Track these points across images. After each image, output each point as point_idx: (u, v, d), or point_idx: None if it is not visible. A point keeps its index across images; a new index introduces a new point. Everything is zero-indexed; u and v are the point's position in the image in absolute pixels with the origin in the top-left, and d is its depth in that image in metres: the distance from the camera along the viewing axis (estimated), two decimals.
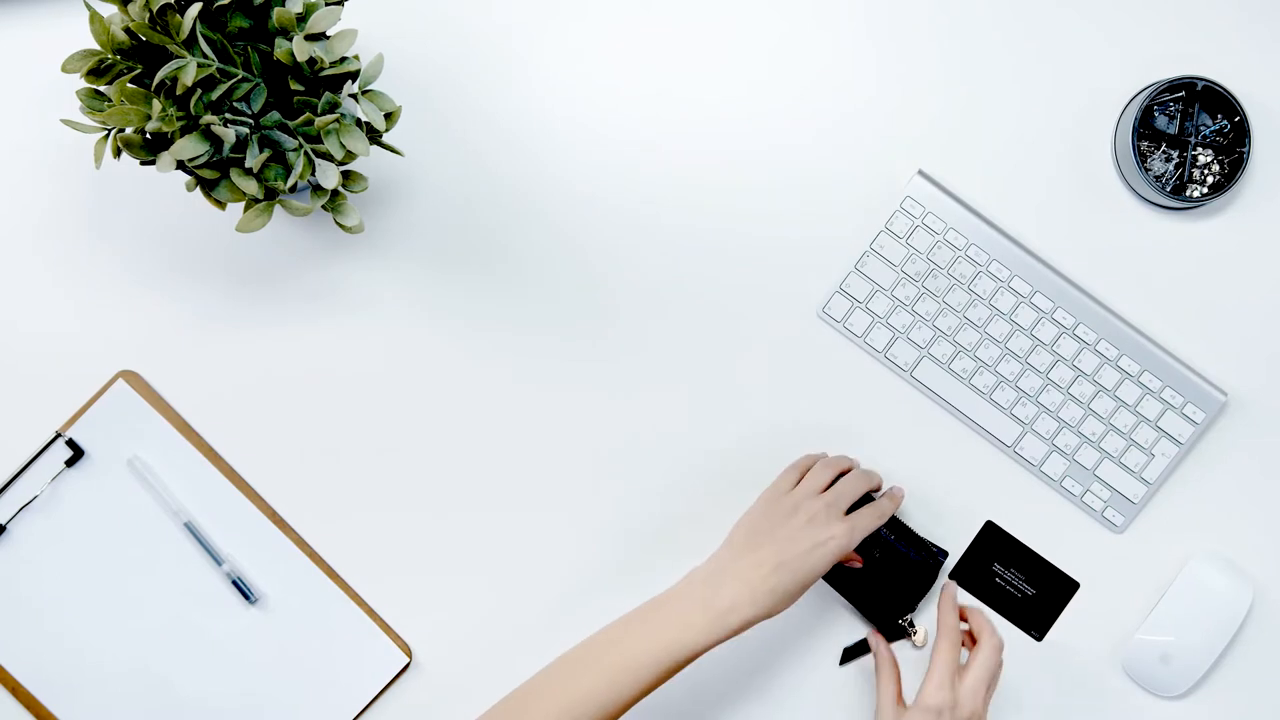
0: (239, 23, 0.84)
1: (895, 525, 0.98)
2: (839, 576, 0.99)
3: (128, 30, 0.82)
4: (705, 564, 0.89)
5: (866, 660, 1.00)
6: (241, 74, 0.83)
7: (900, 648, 1.00)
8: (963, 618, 0.94)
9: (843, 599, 1.00)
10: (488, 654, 0.99)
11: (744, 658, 1.00)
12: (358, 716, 0.99)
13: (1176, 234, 1.01)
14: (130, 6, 0.81)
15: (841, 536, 0.88)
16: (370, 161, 1.00)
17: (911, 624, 0.99)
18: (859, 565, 0.95)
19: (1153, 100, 0.98)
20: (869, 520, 0.91)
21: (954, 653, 0.89)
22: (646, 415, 1.01)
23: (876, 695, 0.95)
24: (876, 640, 0.98)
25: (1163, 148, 1.00)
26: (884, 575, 0.98)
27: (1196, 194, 0.99)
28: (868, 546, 0.98)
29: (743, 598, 0.86)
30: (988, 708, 0.89)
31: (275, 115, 0.84)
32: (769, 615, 0.87)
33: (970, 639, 0.94)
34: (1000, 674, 0.92)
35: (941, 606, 0.93)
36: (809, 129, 1.01)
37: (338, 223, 0.87)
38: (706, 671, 1.00)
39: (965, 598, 1.00)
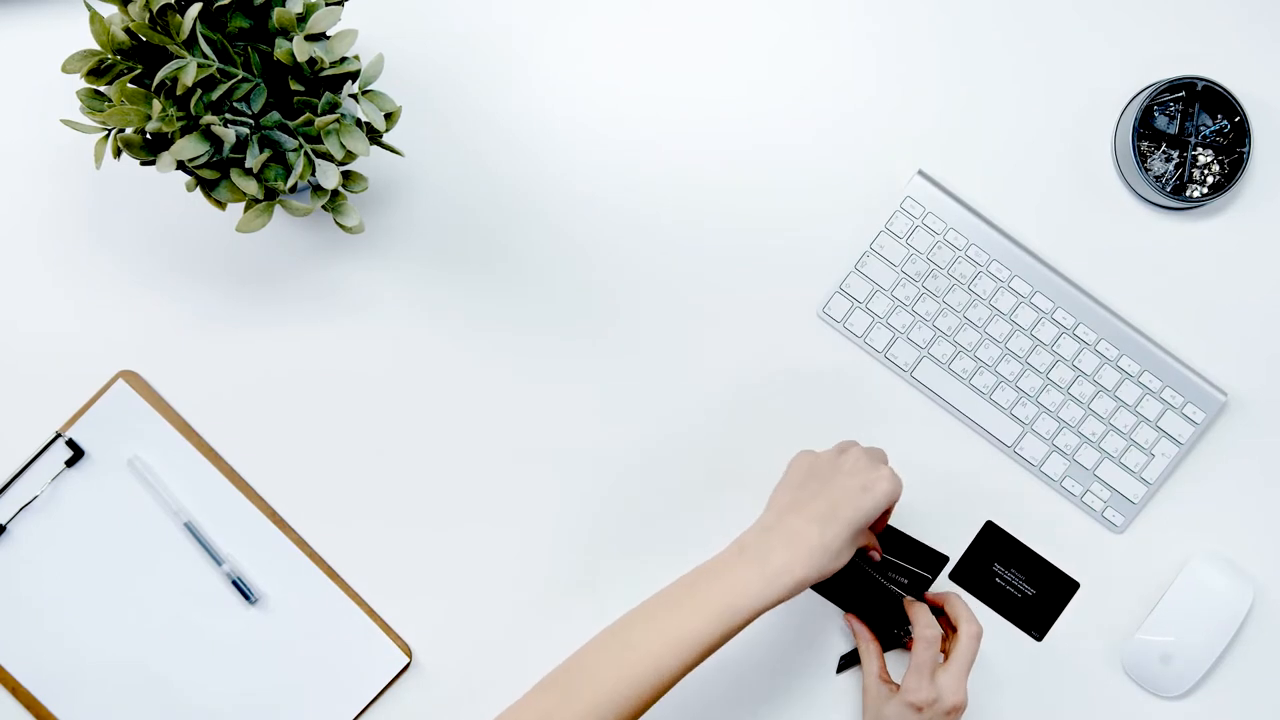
0: (239, 23, 0.84)
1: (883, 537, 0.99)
2: (837, 591, 0.99)
3: (128, 30, 0.82)
4: (751, 529, 0.87)
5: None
6: (241, 74, 0.83)
7: (897, 655, 1.00)
8: (938, 604, 0.95)
9: (840, 609, 1.00)
10: (488, 654, 0.99)
11: (742, 666, 1.00)
12: (358, 716, 0.99)
13: (1176, 234, 1.01)
14: (130, 6, 0.81)
15: (888, 479, 0.85)
16: (370, 161, 1.00)
17: (906, 632, 0.99)
18: (879, 558, 0.94)
19: (1153, 100, 0.98)
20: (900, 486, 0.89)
21: (932, 652, 0.91)
22: (646, 414, 1.01)
23: (863, 675, 0.96)
24: (853, 622, 0.99)
25: (1163, 148, 1.00)
26: (878, 587, 0.98)
27: (1196, 194, 0.99)
28: (860, 564, 0.98)
29: (796, 556, 0.83)
30: (967, 690, 0.90)
31: (275, 115, 0.84)
32: (825, 572, 0.84)
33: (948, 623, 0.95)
34: (977, 654, 0.93)
35: (911, 614, 0.94)
36: (809, 129, 1.01)
37: (338, 223, 0.87)
38: (704, 679, 1.00)
39: (946, 586, 1.00)
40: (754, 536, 0.85)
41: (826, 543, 0.83)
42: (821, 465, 0.88)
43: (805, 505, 0.85)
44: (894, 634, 0.99)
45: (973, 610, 0.93)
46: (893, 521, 1.00)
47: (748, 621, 0.83)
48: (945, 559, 0.99)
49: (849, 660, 1.00)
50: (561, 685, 0.83)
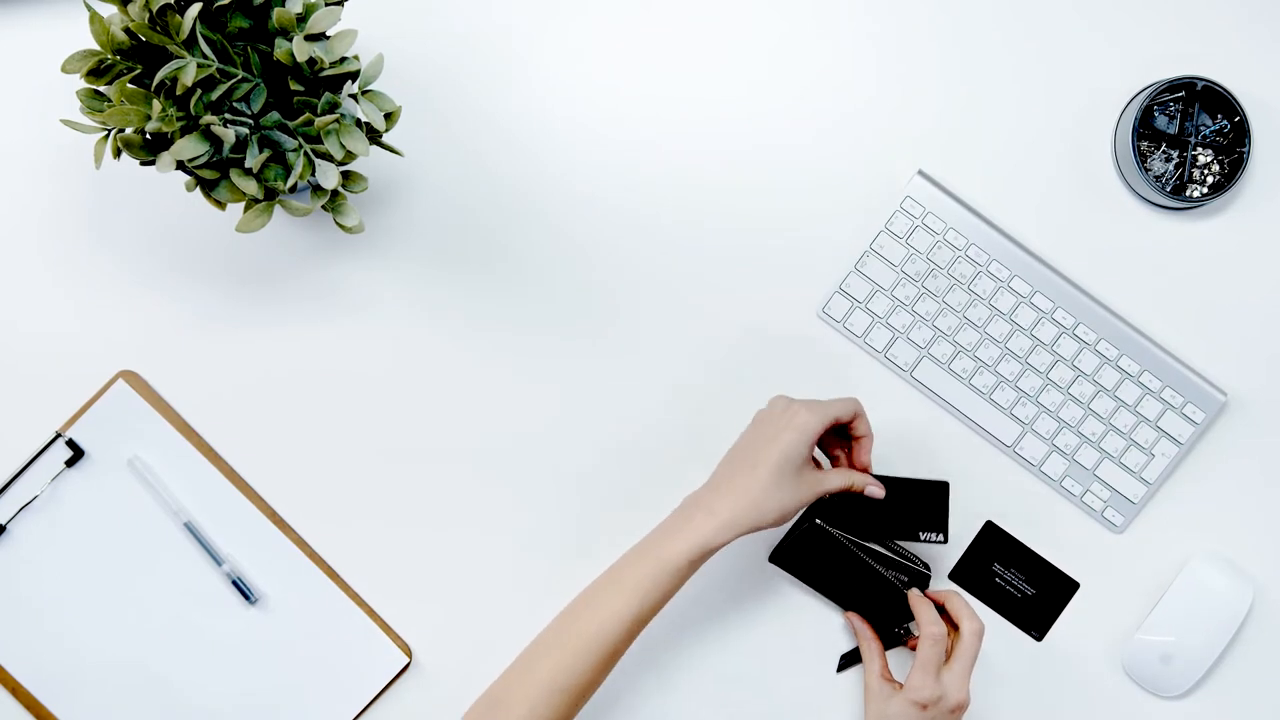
0: (239, 23, 0.84)
1: (876, 556, 0.98)
2: (828, 587, 0.99)
3: (128, 30, 0.82)
4: (689, 495, 0.93)
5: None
6: (241, 74, 0.83)
7: (897, 654, 1.00)
8: (939, 602, 0.95)
9: (840, 610, 1.00)
10: (488, 654, 0.99)
11: (743, 666, 1.00)
12: (358, 716, 0.99)
13: (1176, 234, 1.01)
14: (130, 6, 0.81)
15: (801, 414, 0.89)
16: (370, 161, 1.00)
17: (907, 630, 0.99)
18: (880, 495, 0.94)
19: (1153, 100, 0.98)
20: (838, 407, 0.91)
21: (937, 650, 0.91)
22: (647, 415, 1.01)
23: (865, 674, 0.96)
24: (854, 620, 0.99)
25: (1163, 148, 1.00)
26: (875, 589, 0.98)
27: (1196, 194, 0.99)
28: (855, 569, 0.98)
29: (719, 499, 0.89)
30: (969, 689, 0.91)
31: (275, 115, 0.84)
32: (759, 512, 0.88)
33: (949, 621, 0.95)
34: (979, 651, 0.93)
35: (916, 610, 0.94)
36: (809, 129, 1.01)
37: (338, 223, 0.87)
38: (703, 676, 1.00)
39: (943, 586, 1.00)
40: (688, 499, 0.92)
41: (747, 485, 0.88)
42: (747, 429, 0.93)
43: (732, 463, 0.91)
44: (895, 632, 0.99)
45: (973, 608, 0.93)
46: (888, 470, 0.99)
47: (682, 569, 0.88)
48: (945, 485, 0.98)
49: (849, 659, 1.00)
50: (523, 661, 0.90)
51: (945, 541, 0.97)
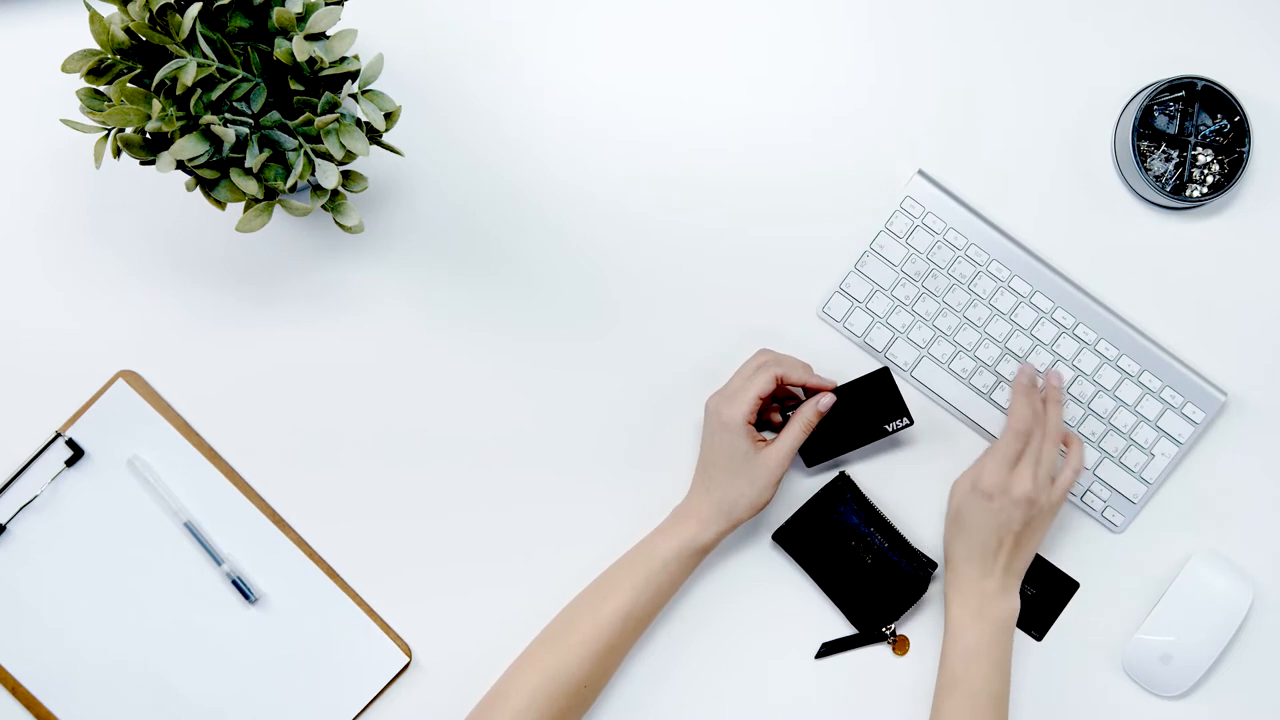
0: (239, 23, 0.84)
1: (888, 533, 0.98)
2: (826, 573, 0.99)
3: (128, 30, 0.82)
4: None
5: (842, 656, 1.00)
6: (241, 74, 0.83)
7: (879, 656, 1.00)
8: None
9: (830, 600, 1.00)
10: (488, 654, 0.99)
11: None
12: (358, 716, 0.99)
13: (1176, 234, 1.01)
14: (130, 6, 0.81)
15: (725, 409, 0.92)
16: (370, 161, 1.00)
17: (894, 633, 0.99)
18: (832, 400, 0.95)
19: (1153, 100, 0.98)
20: (757, 384, 0.92)
21: (1017, 444, 0.93)
22: (647, 414, 1.01)
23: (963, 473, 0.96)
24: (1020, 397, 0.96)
25: (1163, 148, 1.00)
26: (872, 581, 0.98)
27: (1196, 194, 0.99)
28: (859, 551, 0.98)
29: (696, 501, 0.95)
30: (1059, 495, 0.93)
31: (275, 115, 0.84)
32: (725, 512, 0.93)
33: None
34: (1077, 469, 0.95)
35: (1014, 400, 0.96)
36: (808, 129, 1.01)
37: (338, 223, 0.87)
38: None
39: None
40: (677, 506, 0.97)
41: (714, 486, 0.94)
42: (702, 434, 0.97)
43: (700, 469, 0.96)
44: (881, 631, 0.99)
45: (1060, 418, 0.95)
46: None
47: (670, 564, 0.93)
48: (885, 370, 0.97)
49: (831, 647, 1.00)
50: (524, 657, 0.94)
51: (911, 423, 0.97)
